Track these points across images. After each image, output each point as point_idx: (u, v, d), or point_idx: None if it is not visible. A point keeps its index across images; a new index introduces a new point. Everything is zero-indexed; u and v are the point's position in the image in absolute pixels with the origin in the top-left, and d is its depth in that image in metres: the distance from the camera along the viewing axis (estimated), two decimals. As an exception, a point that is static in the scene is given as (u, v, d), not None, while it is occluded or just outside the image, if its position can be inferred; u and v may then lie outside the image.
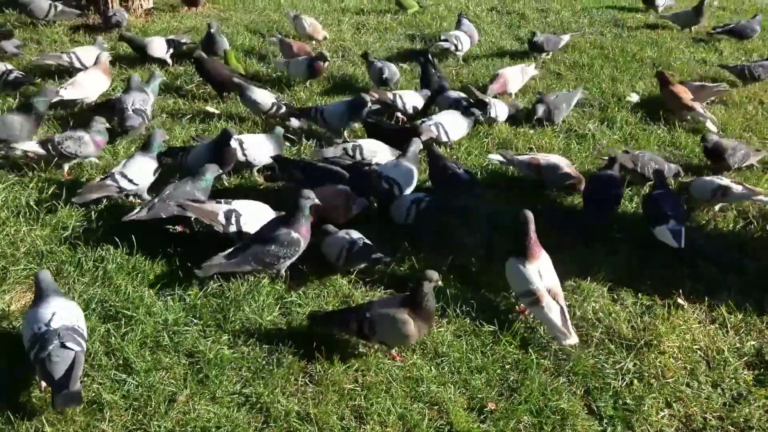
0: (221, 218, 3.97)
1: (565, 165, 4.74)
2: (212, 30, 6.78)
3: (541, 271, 3.53)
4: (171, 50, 6.77)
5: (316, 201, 3.77)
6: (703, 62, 7.24)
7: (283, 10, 7.70)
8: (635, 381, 3.33)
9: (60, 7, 7.57)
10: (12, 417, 2.95)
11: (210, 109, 5.88)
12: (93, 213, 4.33)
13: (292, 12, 7.70)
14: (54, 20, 7.59)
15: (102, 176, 4.54)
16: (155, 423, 2.99)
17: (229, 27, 7.89)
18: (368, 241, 3.92)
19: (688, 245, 4.03)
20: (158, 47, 6.71)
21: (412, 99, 5.87)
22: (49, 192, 4.54)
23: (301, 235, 3.74)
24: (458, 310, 3.69)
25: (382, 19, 8.41)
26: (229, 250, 3.74)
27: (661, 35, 8.06)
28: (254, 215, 4.03)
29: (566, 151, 5.28)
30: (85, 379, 3.20)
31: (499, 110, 5.72)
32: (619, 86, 6.54)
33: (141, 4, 8.29)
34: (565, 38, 7.43)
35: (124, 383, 3.19)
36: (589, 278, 3.92)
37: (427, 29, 8.09)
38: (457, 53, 7.07)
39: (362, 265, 3.93)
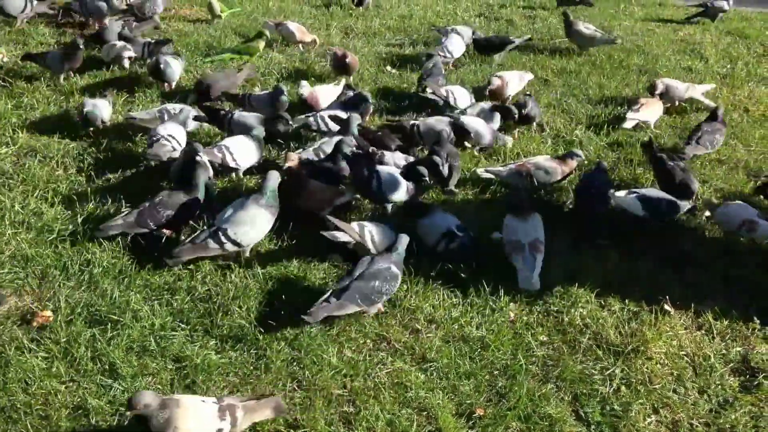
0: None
1: (552, 163, 4.79)
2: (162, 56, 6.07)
3: (527, 228, 4.04)
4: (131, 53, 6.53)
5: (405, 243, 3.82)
6: (689, 70, 7.30)
7: (262, 22, 7.61)
8: (622, 387, 3.34)
9: (35, 2, 7.48)
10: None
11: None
12: (79, 216, 4.29)
13: (272, 21, 7.60)
14: (30, 18, 7.51)
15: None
16: (141, 429, 2.96)
17: (217, 30, 7.85)
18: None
19: (676, 252, 4.07)
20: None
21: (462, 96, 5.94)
22: (35, 195, 4.50)
23: (399, 270, 3.71)
24: (447, 316, 3.69)
25: (370, 23, 8.41)
26: (329, 291, 3.59)
27: (647, 42, 8.11)
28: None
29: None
30: (71, 384, 3.18)
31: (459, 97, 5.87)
32: (606, 92, 6.57)
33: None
34: (516, 42, 7.45)
35: (110, 388, 3.16)
36: (576, 284, 3.94)
37: (415, 34, 8.10)
38: (447, 59, 6.99)
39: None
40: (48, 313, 3.57)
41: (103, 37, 6.73)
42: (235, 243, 3.89)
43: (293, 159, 4.57)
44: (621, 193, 4.51)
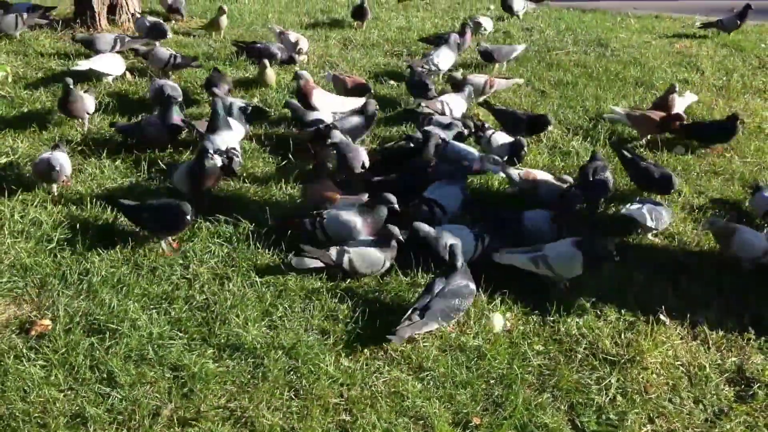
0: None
1: (554, 180, 4.84)
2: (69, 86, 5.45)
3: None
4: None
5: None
6: (686, 82, 7.35)
7: (268, 25, 7.70)
8: (618, 396, 3.35)
9: (26, 16, 7.59)
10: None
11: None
12: (78, 225, 4.31)
13: (278, 27, 7.71)
14: (25, 31, 7.60)
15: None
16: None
17: (216, 41, 7.91)
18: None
19: (671, 262, 4.09)
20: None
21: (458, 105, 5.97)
22: (35, 204, 4.52)
23: (473, 284, 3.71)
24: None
25: (369, 35, 8.46)
26: (410, 309, 3.61)
27: (644, 55, 8.17)
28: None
29: (551, 168, 5.32)
30: (69, 392, 3.19)
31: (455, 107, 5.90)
32: (603, 105, 6.61)
33: (128, 18, 8.29)
34: (519, 49, 7.53)
35: (108, 397, 3.17)
36: (572, 294, 3.96)
37: (413, 46, 8.15)
38: (434, 69, 6.96)
39: None
40: (47, 321, 3.59)
41: (94, 46, 6.81)
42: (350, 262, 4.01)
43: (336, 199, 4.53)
44: (632, 206, 4.52)
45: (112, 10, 8.17)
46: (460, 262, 3.74)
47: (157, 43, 7.05)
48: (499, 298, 3.89)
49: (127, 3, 8.28)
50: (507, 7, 9.47)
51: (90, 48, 6.83)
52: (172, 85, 5.90)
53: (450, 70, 7.02)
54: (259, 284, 3.94)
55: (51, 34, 7.74)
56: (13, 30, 7.49)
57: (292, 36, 7.43)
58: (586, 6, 10.51)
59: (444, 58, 6.96)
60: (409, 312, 3.57)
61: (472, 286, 3.70)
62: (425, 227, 4.10)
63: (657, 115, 5.79)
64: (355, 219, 4.19)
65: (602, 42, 8.61)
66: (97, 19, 7.99)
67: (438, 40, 7.46)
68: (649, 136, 5.85)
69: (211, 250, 4.20)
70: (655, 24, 9.77)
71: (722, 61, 8.09)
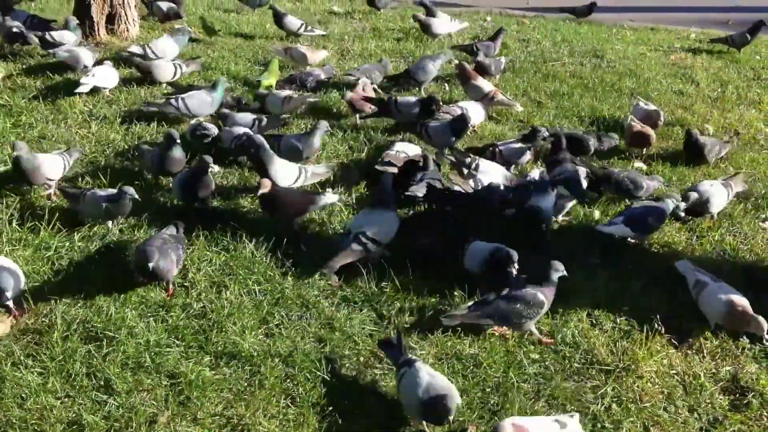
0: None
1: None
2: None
3: None
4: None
5: (565, 273, 3.76)
6: (681, 93, 7.39)
7: (271, 46, 7.62)
8: (614, 405, 3.37)
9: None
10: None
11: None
12: (75, 233, 4.33)
13: (280, 46, 7.67)
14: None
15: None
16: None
17: (215, 51, 7.95)
18: None
19: (666, 271, 4.12)
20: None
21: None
22: (32, 212, 4.54)
23: (545, 297, 3.70)
24: (439, 334, 3.72)
25: (366, 45, 8.51)
26: (470, 303, 3.70)
27: (639, 66, 8.22)
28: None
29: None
30: (66, 399, 3.20)
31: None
32: (598, 115, 6.65)
33: (127, 28, 8.33)
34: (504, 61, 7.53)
35: (104, 404, 3.19)
36: (568, 303, 3.98)
37: (411, 56, 8.20)
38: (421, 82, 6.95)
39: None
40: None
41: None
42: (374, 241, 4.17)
43: (266, 185, 4.43)
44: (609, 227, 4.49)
45: (110, 19, 8.20)
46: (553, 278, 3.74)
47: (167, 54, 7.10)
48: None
49: (126, 13, 8.31)
50: (371, 2, 9.85)
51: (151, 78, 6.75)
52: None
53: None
54: (256, 292, 3.95)
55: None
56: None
57: (302, 48, 7.40)
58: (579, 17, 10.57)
59: (427, 71, 6.92)
60: (470, 303, 3.68)
61: (541, 297, 3.67)
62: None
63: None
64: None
65: (598, 53, 8.65)
66: (96, 29, 8.01)
67: (472, 48, 7.78)
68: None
69: (209, 258, 4.21)
70: (650, 36, 9.82)
71: (717, 72, 8.14)
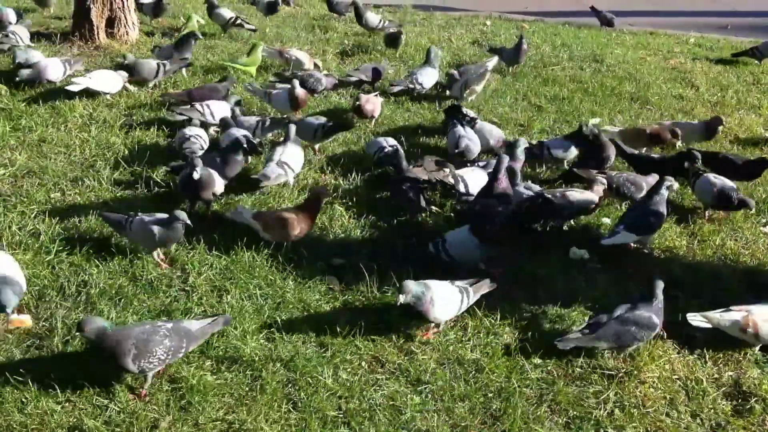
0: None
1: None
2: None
3: None
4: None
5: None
6: (680, 98, 7.40)
7: (264, 47, 7.61)
8: (616, 410, 3.36)
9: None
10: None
11: None
12: (76, 237, 4.32)
13: (274, 47, 7.65)
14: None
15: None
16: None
17: (214, 55, 7.95)
18: None
19: (666, 276, 4.11)
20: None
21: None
22: (33, 216, 4.53)
23: (658, 319, 3.68)
24: (442, 338, 3.71)
25: (366, 49, 8.51)
26: (583, 325, 3.70)
27: (639, 70, 8.23)
28: None
29: (546, 179, 5.35)
30: (66, 404, 3.19)
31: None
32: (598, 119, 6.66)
33: (127, 32, 8.32)
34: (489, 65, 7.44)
35: (106, 409, 3.17)
36: (570, 308, 3.97)
37: (410, 60, 8.20)
38: (418, 88, 6.97)
39: None
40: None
41: None
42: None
43: None
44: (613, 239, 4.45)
45: (110, 23, 8.19)
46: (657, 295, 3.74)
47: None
48: (498, 312, 3.90)
49: (125, 16, 8.30)
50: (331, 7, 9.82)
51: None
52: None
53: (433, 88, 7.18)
54: (257, 297, 3.94)
55: (49, 47, 7.76)
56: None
57: (300, 54, 7.40)
58: (579, 22, 10.59)
59: (427, 77, 7.02)
60: (583, 325, 3.67)
61: (655, 320, 3.65)
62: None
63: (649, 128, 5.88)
64: None
65: (597, 57, 8.66)
66: (96, 32, 8.00)
67: (495, 52, 7.88)
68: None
69: (210, 262, 4.21)
70: (650, 40, 9.84)
71: (717, 77, 8.16)
